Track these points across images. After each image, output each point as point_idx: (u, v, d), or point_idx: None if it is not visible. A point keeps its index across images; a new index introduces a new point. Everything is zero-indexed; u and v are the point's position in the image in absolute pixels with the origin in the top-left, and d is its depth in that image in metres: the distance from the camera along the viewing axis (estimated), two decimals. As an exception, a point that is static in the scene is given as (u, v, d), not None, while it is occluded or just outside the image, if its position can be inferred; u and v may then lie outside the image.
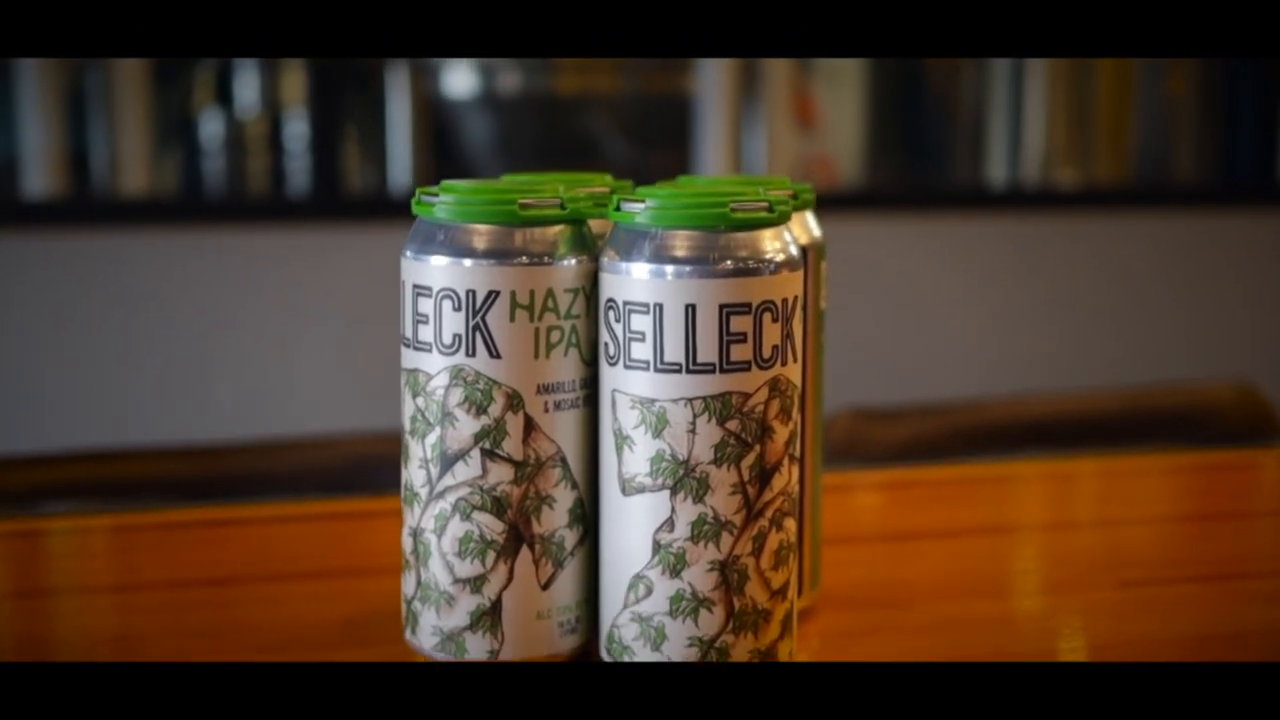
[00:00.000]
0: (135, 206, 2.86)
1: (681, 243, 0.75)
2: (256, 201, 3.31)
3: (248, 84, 4.57)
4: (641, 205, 0.76)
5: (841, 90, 4.68)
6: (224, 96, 4.45)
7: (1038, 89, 3.74)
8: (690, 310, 0.75)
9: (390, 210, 2.92)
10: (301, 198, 2.95)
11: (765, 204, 0.76)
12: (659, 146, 3.83)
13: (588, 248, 0.79)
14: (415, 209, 0.79)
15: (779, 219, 0.77)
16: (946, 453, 1.58)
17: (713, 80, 3.50)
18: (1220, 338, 3.26)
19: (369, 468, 1.44)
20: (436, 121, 3.71)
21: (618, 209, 0.77)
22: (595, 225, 0.82)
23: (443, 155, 3.74)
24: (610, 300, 0.77)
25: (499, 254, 0.77)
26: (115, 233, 2.75)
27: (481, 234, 0.77)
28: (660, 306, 0.75)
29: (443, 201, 0.78)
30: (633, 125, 3.77)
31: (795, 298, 0.77)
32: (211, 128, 4.35)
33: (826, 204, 3.38)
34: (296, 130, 4.33)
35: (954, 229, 3.13)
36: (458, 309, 0.77)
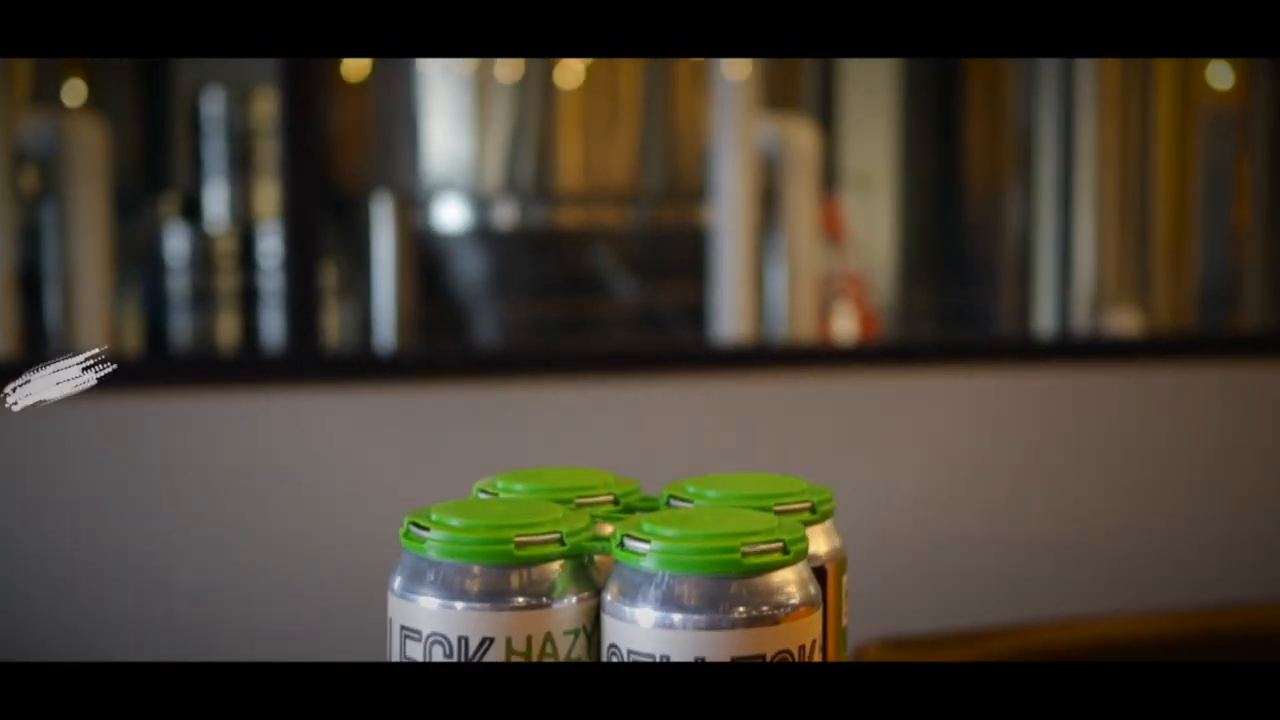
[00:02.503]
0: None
1: (690, 590, 0.78)
2: (226, 358, 3.36)
3: (217, 199, 4.64)
4: (647, 546, 0.79)
5: (874, 202, 4.75)
6: (191, 214, 4.53)
7: (1088, 218, 3.79)
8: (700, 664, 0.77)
9: (377, 370, 2.96)
10: (277, 354, 3.00)
11: (779, 544, 0.79)
12: (672, 281, 3.88)
13: (589, 582, 0.82)
14: (404, 542, 0.82)
15: (794, 559, 0.80)
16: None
17: (729, 209, 3.56)
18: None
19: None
20: (426, 256, 3.76)
21: (621, 546, 0.80)
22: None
23: (433, 292, 3.80)
24: (613, 646, 0.79)
25: (493, 596, 0.79)
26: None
27: (475, 574, 0.80)
28: (667, 659, 0.78)
29: (433, 538, 0.80)
30: (642, 259, 3.82)
31: (813, 641, 0.80)
32: (177, 244, 4.41)
33: (850, 357, 3.37)
34: (269, 247, 4.39)
35: (995, 383, 3.17)
36: (449, 655, 0.79)
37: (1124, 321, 3.67)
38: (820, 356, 3.34)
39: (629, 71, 3.75)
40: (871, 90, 4.48)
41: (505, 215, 3.72)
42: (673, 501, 0.90)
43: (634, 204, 3.78)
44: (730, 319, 3.47)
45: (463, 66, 3.70)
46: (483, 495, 0.92)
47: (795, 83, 4.03)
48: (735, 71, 3.46)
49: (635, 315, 3.90)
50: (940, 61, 4.27)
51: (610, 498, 0.90)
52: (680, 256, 3.83)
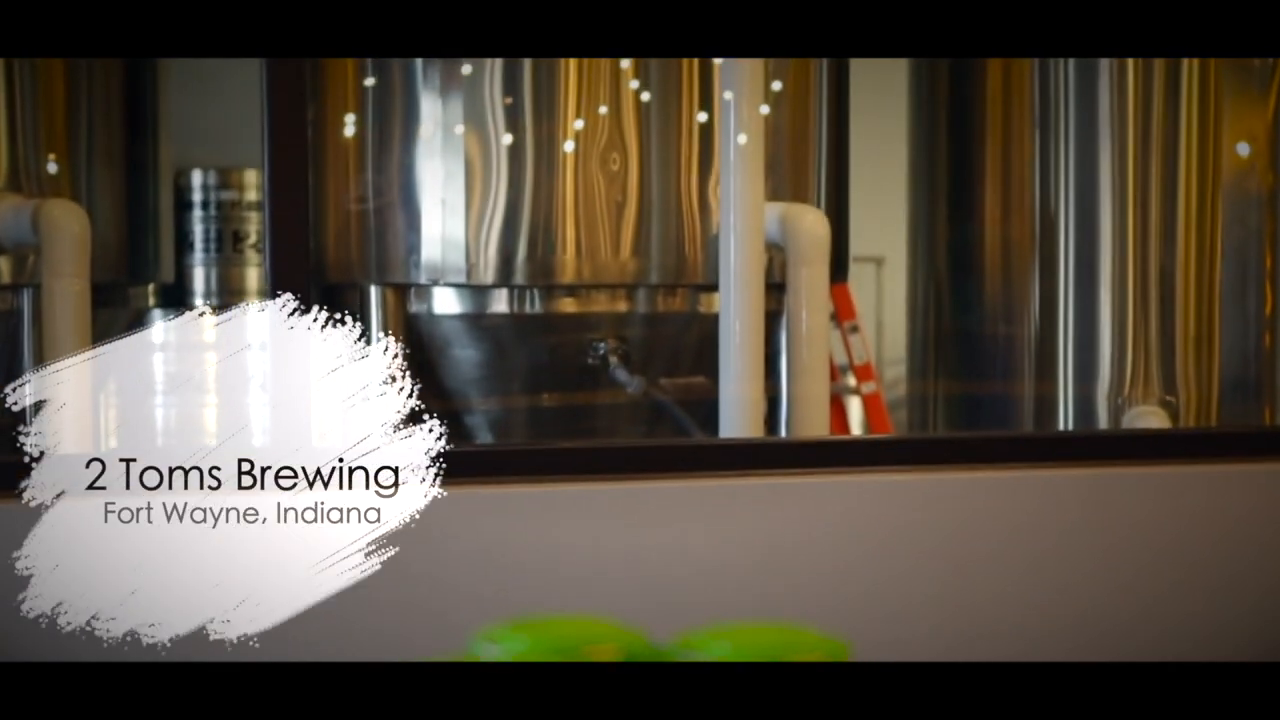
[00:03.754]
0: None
1: (702, 758, 0.78)
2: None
3: (199, 287, 4.65)
4: (657, 710, 0.79)
5: (887, 290, 4.76)
6: (173, 301, 4.53)
7: (1108, 306, 3.79)
8: (712, 836, 0.77)
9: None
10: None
11: (796, 708, 0.79)
12: (676, 371, 3.88)
13: (595, 745, 0.82)
14: (402, 704, 0.82)
15: (812, 724, 0.79)
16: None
17: (737, 298, 3.57)
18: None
19: None
20: (417, 347, 3.76)
21: (630, 709, 0.80)
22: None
23: (424, 384, 3.78)
24: (621, 815, 0.79)
25: (496, 762, 0.79)
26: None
27: (476, 739, 0.80)
28: (678, 831, 0.77)
29: (433, 702, 0.80)
30: (644, 349, 3.83)
31: (831, 808, 0.80)
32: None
33: (863, 454, 3.36)
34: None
35: (1015, 481, 3.15)
36: (448, 826, 0.79)
37: (1148, 414, 3.66)
38: (832, 453, 3.32)
39: (633, 155, 3.76)
40: (882, 174, 4.50)
41: (499, 303, 3.72)
42: (684, 655, 0.89)
43: (637, 293, 3.79)
44: (738, 413, 3.46)
45: (460, 130, 3.71)
46: (485, 645, 0.91)
47: (804, 168, 4.05)
48: (744, 156, 3.48)
49: (638, 409, 3.89)
50: (952, 153, 4.29)
51: (615, 649, 0.89)
52: (684, 345, 3.83)
